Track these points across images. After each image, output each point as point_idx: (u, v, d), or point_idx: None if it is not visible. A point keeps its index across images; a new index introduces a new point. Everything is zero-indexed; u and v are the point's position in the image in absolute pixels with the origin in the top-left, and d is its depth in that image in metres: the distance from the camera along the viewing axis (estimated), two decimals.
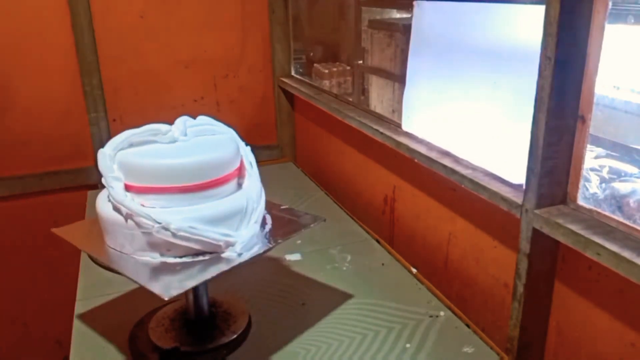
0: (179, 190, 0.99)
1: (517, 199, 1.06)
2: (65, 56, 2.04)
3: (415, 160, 1.39)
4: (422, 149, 1.38)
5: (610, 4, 0.90)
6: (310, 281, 1.40)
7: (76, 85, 2.08)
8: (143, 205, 0.97)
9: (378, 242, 1.60)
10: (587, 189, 1.13)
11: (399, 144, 1.46)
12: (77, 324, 1.22)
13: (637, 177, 1.18)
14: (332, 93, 2.04)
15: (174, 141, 1.07)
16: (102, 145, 1.04)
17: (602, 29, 0.91)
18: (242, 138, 1.17)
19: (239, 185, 1.11)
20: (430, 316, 1.24)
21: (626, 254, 0.84)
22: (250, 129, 2.41)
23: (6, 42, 1.96)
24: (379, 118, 1.68)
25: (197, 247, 0.99)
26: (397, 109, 1.64)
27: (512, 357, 1.11)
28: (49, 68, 2.04)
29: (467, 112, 1.28)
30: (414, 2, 1.40)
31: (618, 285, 0.92)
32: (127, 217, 0.96)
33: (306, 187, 2.05)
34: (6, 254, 2.16)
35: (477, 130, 1.24)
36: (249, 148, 1.16)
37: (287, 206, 1.23)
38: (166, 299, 0.88)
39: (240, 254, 1.00)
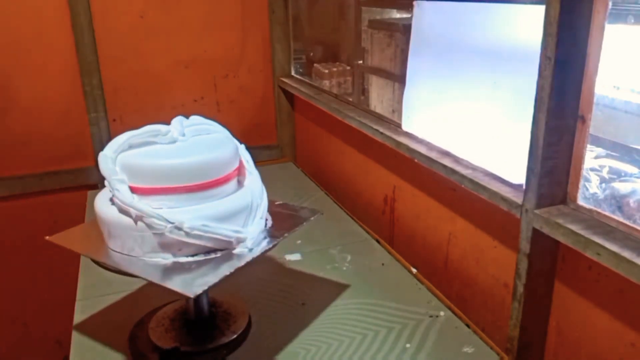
0: (186, 190, 0.99)
1: (517, 199, 1.06)
2: (65, 56, 2.04)
3: (415, 160, 1.39)
4: (422, 149, 1.38)
5: (610, 4, 0.90)
6: (310, 281, 1.40)
7: (76, 85, 2.08)
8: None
9: (378, 242, 1.60)
10: (587, 189, 1.13)
11: (399, 144, 1.46)
12: (77, 324, 1.22)
13: (637, 177, 1.18)
14: (332, 93, 2.04)
15: (173, 141, 1.06)
16: (102, 145, 1.03)
17: (602, 29, 0.91)
18: (235, 136, 1.17)
19: (239, 183, 1.12)
20: (430, 316, 1.24)
21: (626, 254, 0.84)
22: (250, 129, 2.41)
23: (6, 42, 1.96)
24: (379, 118, 1.68)
25: (209, 244, 0.99)
26: (397, 109, 1.64)
27: (512, 357, 1.11)
28: (49, 68, 2.04)
29: (467, 112, 1.28)
30: (414, 2, 1.40)
31: (618, 285, 0.92)
32: (136, 219, 0.95)
33: (306, 187, 2.05)
34: (6, 254, 2.16)
35: (477, 130, 1.24)
36: (243, 146, 1.17)
37: (281, 202, 1.23)
38: (192, 297, 0.88)
39: (250, 250, 1.02)
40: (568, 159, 1.00)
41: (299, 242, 1.57)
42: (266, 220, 1.14)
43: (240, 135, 1.19)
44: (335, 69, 2.23)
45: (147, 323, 1.19)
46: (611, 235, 0.90)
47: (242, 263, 0.98)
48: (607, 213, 0.95)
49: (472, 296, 1.33)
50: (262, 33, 2.33)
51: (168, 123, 1.10)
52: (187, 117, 1.13)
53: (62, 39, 2.02)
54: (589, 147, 0.99)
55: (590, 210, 0.98)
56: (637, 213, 1.05)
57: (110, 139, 1.05)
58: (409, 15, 1.49)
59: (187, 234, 0.95)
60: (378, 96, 1.84)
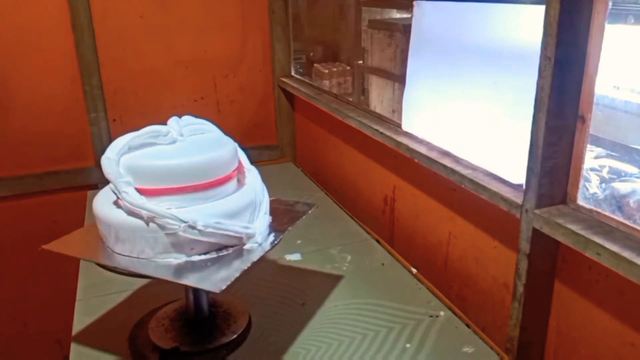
0: (194, 189, 0.99)
1: (517, 199, 1.06)
2: (65, 56, 2.04)
3: (415, 160, 1.39)
4: (422, 149, 1.38)
5: (610, 4, 0.90)
6: (310, 281, 1.40)
7: (76, 85, 2.08)
8: None
9: (378, 242, 1.60)
10: (587, 189, 1.13)
11: (399, 144, 1.46)
12: (77, 323, 1.22)
13: (637, 177, 1.18)
14: (332, 93, 2.04)
15: (173, 142, 1.07)
16: (102, 145, 1.03)
17: (602, 29, 0.91)
18: (230, 135, 1.16)
19: (239, 181, 1.12)
20: (430, 316, 1.24)
21: (626, 254, 0.84)
22: (250, 129, 2.41)
23: (6, 42, 1.96)
24: (379, 118, 1.68)
25: (222, 242, 1.00)
26: (397, 109, 1.64)
27: (512, 357, 1.11)
28: (49, 68, 2.04)
29: (467, 112, 1.28)
30: (414, 2, 1.40)
31: (618, 285, 0.92)
32: (148, 220, 0.95)
33: (306, 187, 2.05)
34: (6, 254, 2.16)
35: (477, 130, 1.24)
36: (236, 144, 1.17)
37: (273, 197, 1.23)
38: (218, 292, 0.89)
39: (260, 244, 1.03)
40: (568, 159, 1.00)
41: (299, 242, 1.57)
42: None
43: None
44: (335, 69, 2.23)
45: (147, 323, 1.19)
46: (611, 235, 0.90)
47: (256, 257, 0.99)
48: (607, 213, 0.95)
49: (472, 296, 1.33)
50: (262, 33, 2.33)
51: (165, 124, 1.10)
52: (179, 116, 1.13)
53: (62, 39, 2.02)
54: (589, 147, 0.99)
55: (590, 210, 0.98)
56: (637, 213, 1.05)
57: (110, 139, 1.05)
58: (409, 15, 1.49)
59: (201, 232, 0.95)
60: (378, 96, 1.84)
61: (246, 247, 1.02)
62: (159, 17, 2.14)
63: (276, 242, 1.06)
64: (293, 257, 1.50)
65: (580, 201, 1.00)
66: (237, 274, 0.94)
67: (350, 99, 1.95)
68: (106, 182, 1.01)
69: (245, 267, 0.96)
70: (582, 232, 0.91)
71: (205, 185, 1.00)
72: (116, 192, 0.97)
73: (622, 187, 1.13)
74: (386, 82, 1.78)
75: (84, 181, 2.16)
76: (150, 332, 1.16)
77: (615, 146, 1.25)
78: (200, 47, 2.24)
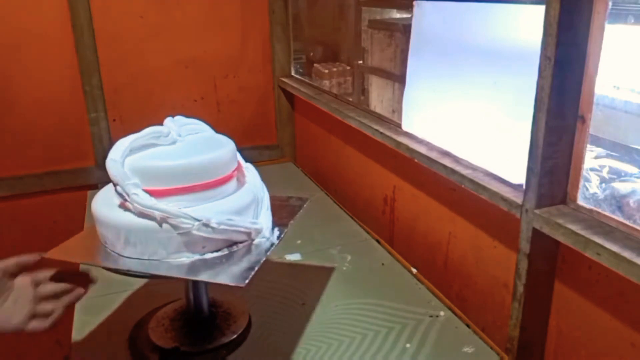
0: (202, 188, 0.99)
1: (517, 199, 1.06)
2: (65, 56, 2.04)
3: (415, 160, 1.39)
4: (422, 149, 1.38)
5: (610, 4, 0.90)
6: (310, 281, 1.40)
7: (76, 85, 2.08)
8: None
9: (378, 242, 1.60)
10: (587, 189, 1.13)
11: (399, 144, 1.46)
12: (77, 324, 1.22)
13: (637, 177, 1.18)
14: (332, 93, 2.04)
15: (174, 142, 1.07)
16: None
17: (602, 29, 0.91)
18: (226, 134, 1.16)
19: (238, 180, 1.12)
20: (430, 316, 1.24)
21: (626, 254, 0.84)
22: (250, 129, 2.40)
23: (6, 42, 1.96)
24: (379, 118, 1.68)
25: (233, 238, 1.00)
26: (397, 109, 1.64)
27: (512, 357, 1.11)
28: (49, 68, 2.04)
29: (467, 112, 1.28)
30: (414, 2, 1.40)
31: (618, 285, 0.92)
32: (161, 221, 0.94)
33: (306, 187, 2.05)
34: (6, 254, 2.16)
35: (477, 130, 1.24)
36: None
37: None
38: (243, 285, 0.89)
39: (268, 238, 1.05)
40: (568, 159, 1.00)
41: (299, 242, 1.57)
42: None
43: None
44: (335, 69, 2.23)
45: (147, 323, 1.19)
46: (611, 235, 0.90)
47: (269, 251, 1.01)
48: (607, 213, 0.95)
49: (472, 296, 1.33)
50: (262, 33, 2.33)
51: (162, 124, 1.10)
52: (173, 116, 1.13)
53: (62, 39, 2.02)
54: (589, 147, 0.99)
55: (590, 210, 0.98)
56: (637, 213, 1.05)
57: (110, 139, 1.05)
58: (409, 15, 1.49)
59: (214, 230, 0.96)
60: (378, 96, 1.84)
61: (255, 242, 1.03)
62: (159, 17, 2.14)
63: (282, 236, 1.07)
64: (293, 257, 1.50)
65: (580, 201, 1.00)
66: (257, 267, 0.94)
67: (350, 99, 1.95)
68: (106, 182, 1.01)
69: (263, 259, 0.98)
70: (582, 232, 0.91)
71: (211, 183, 1.00)
72: (124, 194, 0.95)
73: (622, 187, 1.13)
74: (386, 82, 1.78)
75: (84, 181, 2.16)
76: (151, 332, 1.16)
77: (615, 146, 1.25)
78: (200, 47, 2.24)
